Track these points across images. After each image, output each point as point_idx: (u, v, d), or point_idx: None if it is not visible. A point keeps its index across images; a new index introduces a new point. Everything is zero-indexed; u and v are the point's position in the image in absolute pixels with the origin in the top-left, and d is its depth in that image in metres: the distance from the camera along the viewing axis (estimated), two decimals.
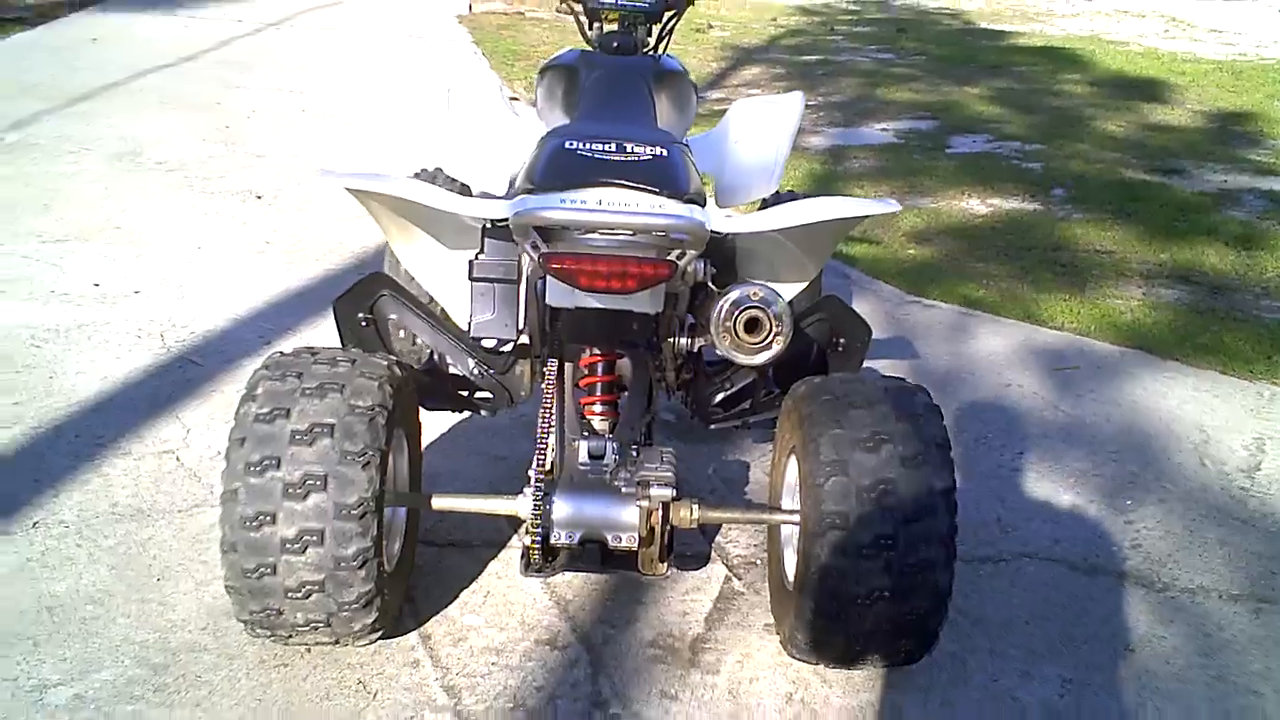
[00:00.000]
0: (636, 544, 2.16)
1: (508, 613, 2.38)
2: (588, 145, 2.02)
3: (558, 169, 1.99)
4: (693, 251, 1.96)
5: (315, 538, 1.96)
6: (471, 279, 2.20)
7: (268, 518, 1.95)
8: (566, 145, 2.03)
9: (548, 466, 2.20)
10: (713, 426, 2.59)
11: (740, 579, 2.54)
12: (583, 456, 2.26)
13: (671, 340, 2.32)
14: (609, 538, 2.16)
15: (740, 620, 2.40)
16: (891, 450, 2.01)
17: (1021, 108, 8.56)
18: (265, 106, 7.02)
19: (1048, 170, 6.65)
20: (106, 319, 3.69)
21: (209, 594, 2.38)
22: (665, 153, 2.03)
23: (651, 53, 2.94)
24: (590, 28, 3.02)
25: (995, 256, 4.98)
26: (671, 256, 1.94)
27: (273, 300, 3.98)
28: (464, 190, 3.10)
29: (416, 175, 3.23)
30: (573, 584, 2.48)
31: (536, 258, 1.96)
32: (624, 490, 2.17)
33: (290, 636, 2.10)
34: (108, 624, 2.27)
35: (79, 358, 3.41)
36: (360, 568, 1.98)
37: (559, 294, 2.11)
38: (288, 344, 3.60)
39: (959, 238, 5.24)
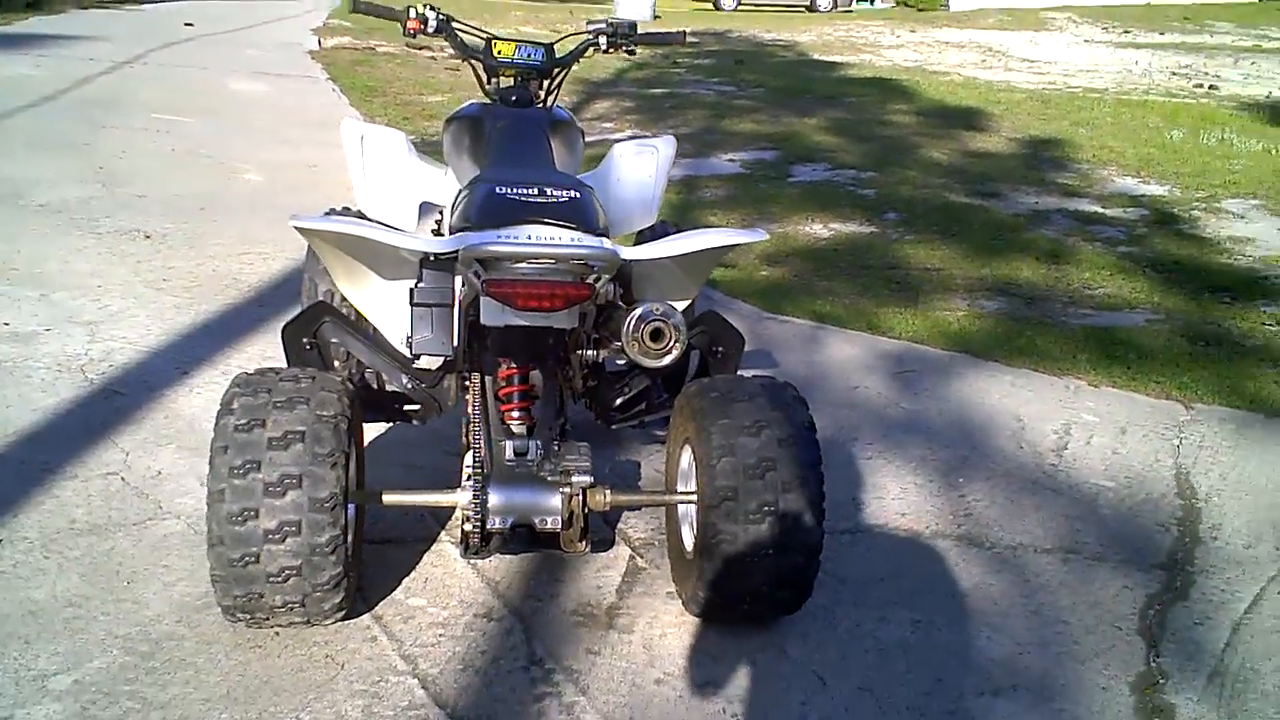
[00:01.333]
0: (560, 526, 2.57)
1: (446, 594, 2.74)
2: (515, 190, 2.43)
3: (491, 209, 2.39)
4: (606, 276, 2.39)
5: (294, 529, 2.30)
6: (412, 304, 2.56)
7: (251, 513, 2.28)
8: (497, 190, 2.43)
9: (480, 464, 2.58)
10: (613, 427, 3.01)
11: (642, 557, 2.96)
12: (509, 455, 2.65)
13: (580, 352, 2.74)
14: (536, 521, 2.56)
15: (646, 590, 2.82)
16: (770, 434, 2.46)
17: (855, 137, 9.26)
18: (135, 146, 7.17)
19: (880, 196, 7.31)
20: (24, 356, 3.90)
21: (176, 593, 2.67)
22: (578, 195, 2.45)
23: (543, 105, 3.34)
24: (489, 81, 3.40)
25: (839, 275, 5.55)
26: (589, 280, 2.36)
27: (181, 333, 4.23)
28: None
29: (331, 212, 3.60)
30: (499, 567, 2.85)
31: (478, 284, 2.35)
32: (549, 480, 2.57)
33: (267, 619, 2.43)
34: (89, 622, 2.55)
35: (6, 392, 3.62)
36: (332, 553, 2.33)
37: (492, 314, 2.49)
38: (203, 374, 3.88)
39: (806, 259, 5.81)
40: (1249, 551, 3.10)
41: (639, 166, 3.40)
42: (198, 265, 5.01)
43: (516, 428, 2.73)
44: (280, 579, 2.33)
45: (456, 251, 2.36)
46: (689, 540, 2.70)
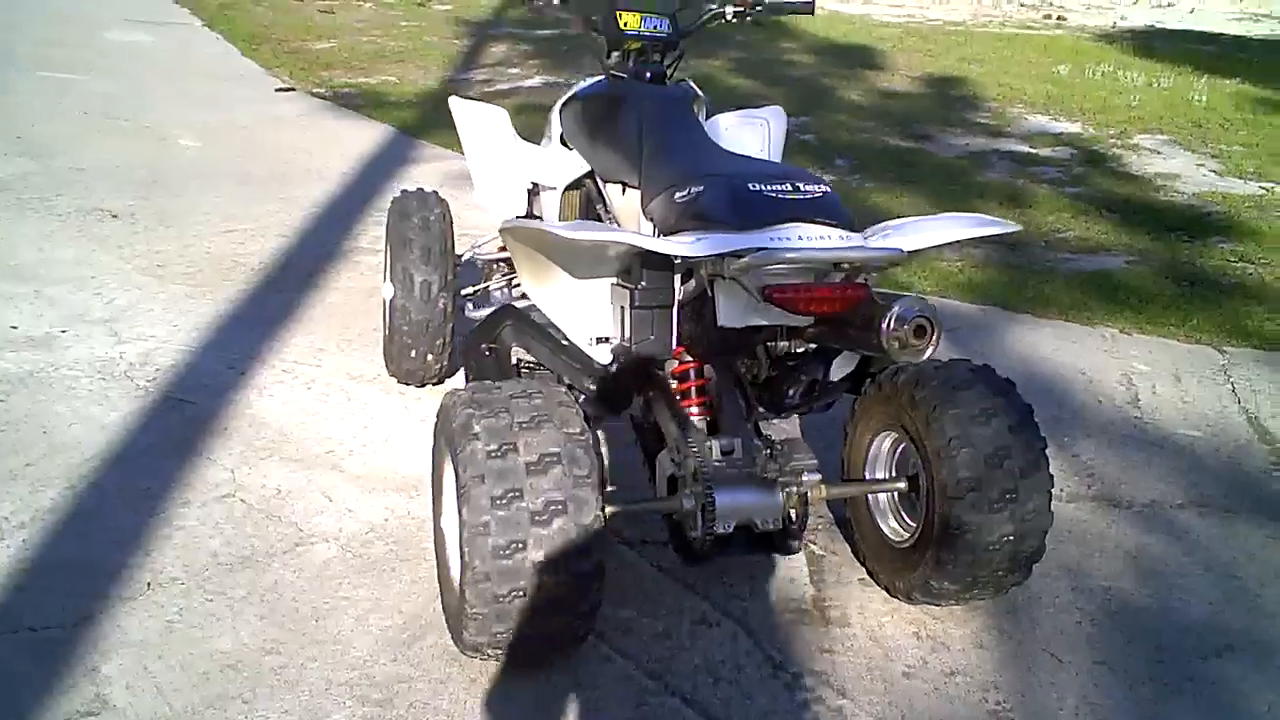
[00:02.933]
0: (779, 526, 2.50)
1: (651, 602, 2.65)
2: (768, 187, 2.30)
3: (748, 209, 2.26)
4: (876, 274, 2.31)
5: (562, 557, 2.17)
6: (634, 306, 2.43)
7: (519, 544, 2.14)
8: (750, 188, 2.30)
9: (704, 467, 2.48)
10: (782, 415, 2.94)
11: (816, 544, 2.93)
12: (716, 454, 2.56)
13: (774, 343, 2.65)
14: (757, 523, 2.49)
15: (838, 578, 2.79)
16: (1001, 422, 2.46)
17: (768, 79, 9.26)
18: (39, 111, 6.60)
19: (823, 141, 7.34)
20: (53, 363, 3.55)
21: (374, 627, 2.50)
22: (826, 189, 2.35)
23: (678, 80, 3.20)
24: (608, 55, 3.23)
25: None
26: (861, 279, 2.29)
27: (212, 327, 3.93)
28: None
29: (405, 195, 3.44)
30: (685, 568, 2.77)
31: (756, 290, 2.24)
32: (772, 479, 2.50)
33: (514, 653, 2.30)
34: (301, 670, 2.36)
35: (59, 407, 3.29)
36: (596, 578, 2.21)
37: (734, 315, 2.38)
38: (262, 373, 3.61)
39: None
40: None
41: (748, 142, 3.29)
42: (186, 247, 4.64)
43: (698, 424, 2.64)
44: (547, 611, 2.20)
45: (720, 256, 2.24)
46: (899, 529, 2.69)
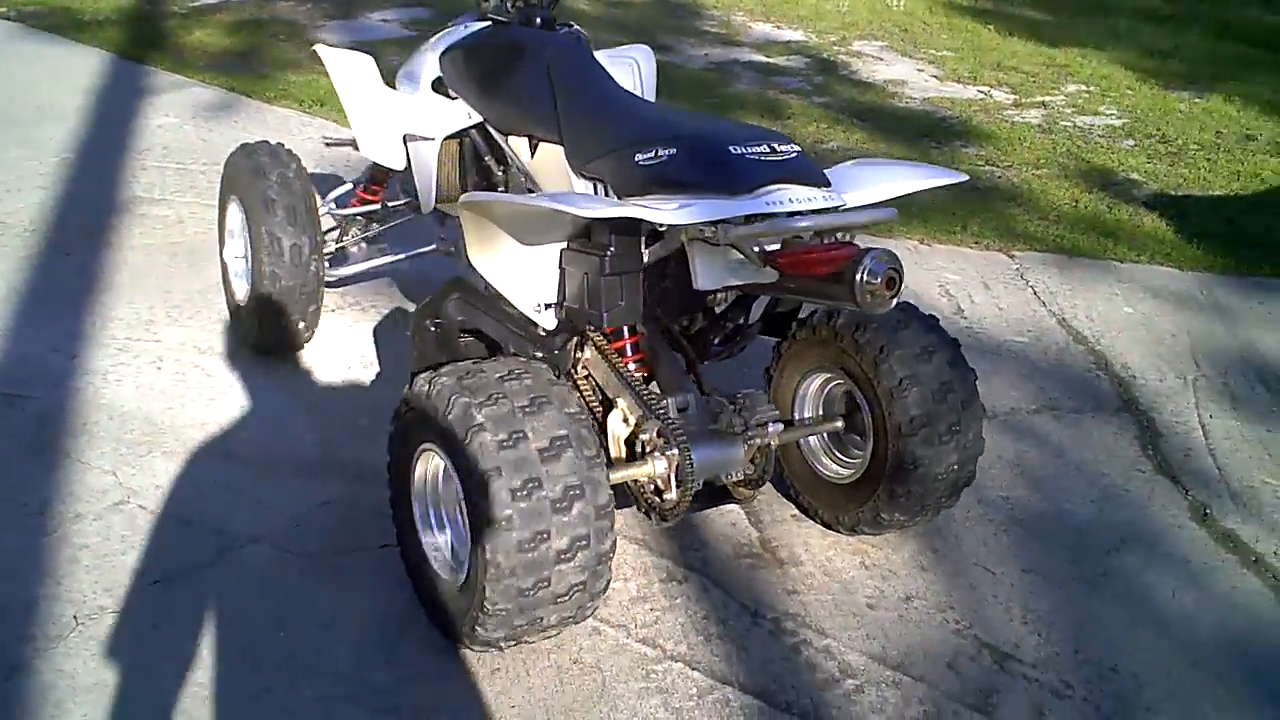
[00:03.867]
0: (740, 477, 2.56)
1: (619, 564, 2.64)
2: (748, 148, 2.28)
3: (733, 172, 2.23)
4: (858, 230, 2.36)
5: (584, 542, 2.13)
6: (604, 274, 2.36)
7: (543, 535, 2.09)
8: (733, 150, 2.27)
9: (674, 425, 2.47)
10: (706, 361, 2.96)
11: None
12: (672, 412, 2.56)
13: (712, 297, 2.66)
14: (722, 476, 2.53)
15: (773, 517, 2.89)
16: (940, 358, 2.60)
17: None
18: None
19: None
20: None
21: (347, 631, 2.36)
22: (797, 148, 2.35)
23: (564, 24, 3.07)
24: None
25: None
26: (848, 237, 2.32)
27: (6, 303, 3.45)
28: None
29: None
30: (632, 525, 2.77)
31: (756, 255, 2.22)
32: (736, 432, 2.53)
33: (529, 639, 2.24)
34: (292, 692, 2.20)
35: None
36: (610, 557, 2.19)
37: (710, 277, 2.36)
38: (92, 354, 3.24)
39: None
40: (1163, 384, 3.71)
41: (622, 84, 3.22)
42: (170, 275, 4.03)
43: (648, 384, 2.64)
44: (565, 597, 2.17)
45: (713, 222, 2.20)
46: (837, 467, 2.81)
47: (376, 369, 3.38)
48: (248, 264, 3.43)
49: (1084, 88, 7.48)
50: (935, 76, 7.57)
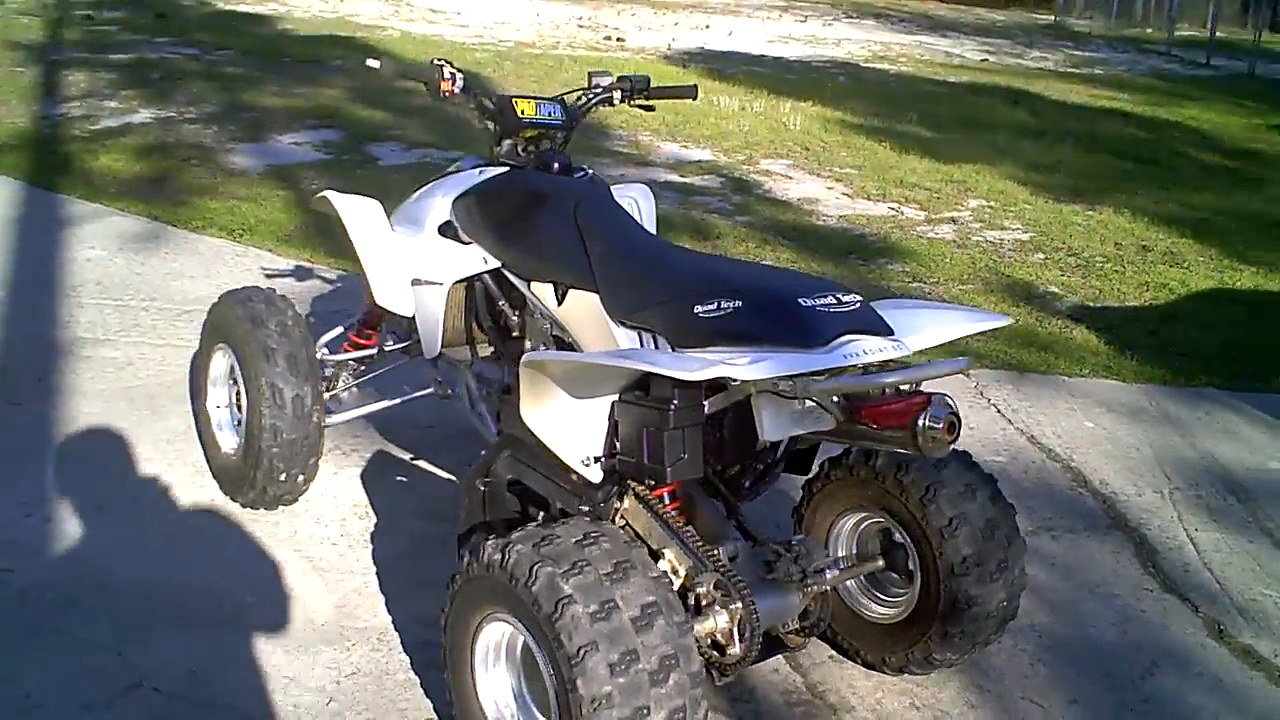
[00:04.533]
0: (797, 626, 2.51)
1: None
2: (816, 301, 2.27)
3: (812, 326, 2.22)
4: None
5: (681, 715, 2.04)
6: (668, 428, 2.31)
7: (644, 712, 1.99)
8: (803, 303, 2.26)
9: (734, 578, 2.40)
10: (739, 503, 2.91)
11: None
12: (724, 561, 2.50)
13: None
14: (779, 626, 2.48)
15: (812, 660, 2.83)
16: (983, 495, 2.62)
17: (397, 110, 8.99)
18: None
19: None
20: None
21: None
22: (860, 298, 2.35)
23: (579, 169, 3.04)
24: (499, 143, 3.02)
25: None
26: (919, 385, 2.32)
27: None
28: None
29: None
30: None
31: (838, 408, 2.20)
32: (795, 580, 2.48)
33: None
34: None
35: None
36: None
37: (776, 428, 2.33)
38: (67, 517, 3.02)
39: None
40: (1143, 499, 3.80)
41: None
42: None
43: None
44: None
45: (788, 377, 2.18)
46: (881, 608, 2.78)
47: (373, 520, 3.23)
48: (234, 415, 3.27)
49: (985, 202, 7.81)
50: (845, 194, 7.80)
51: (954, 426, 2.32)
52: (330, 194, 3.06)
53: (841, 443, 2.57)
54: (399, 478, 3.48)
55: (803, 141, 9.25)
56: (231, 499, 3.19)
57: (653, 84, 3.28)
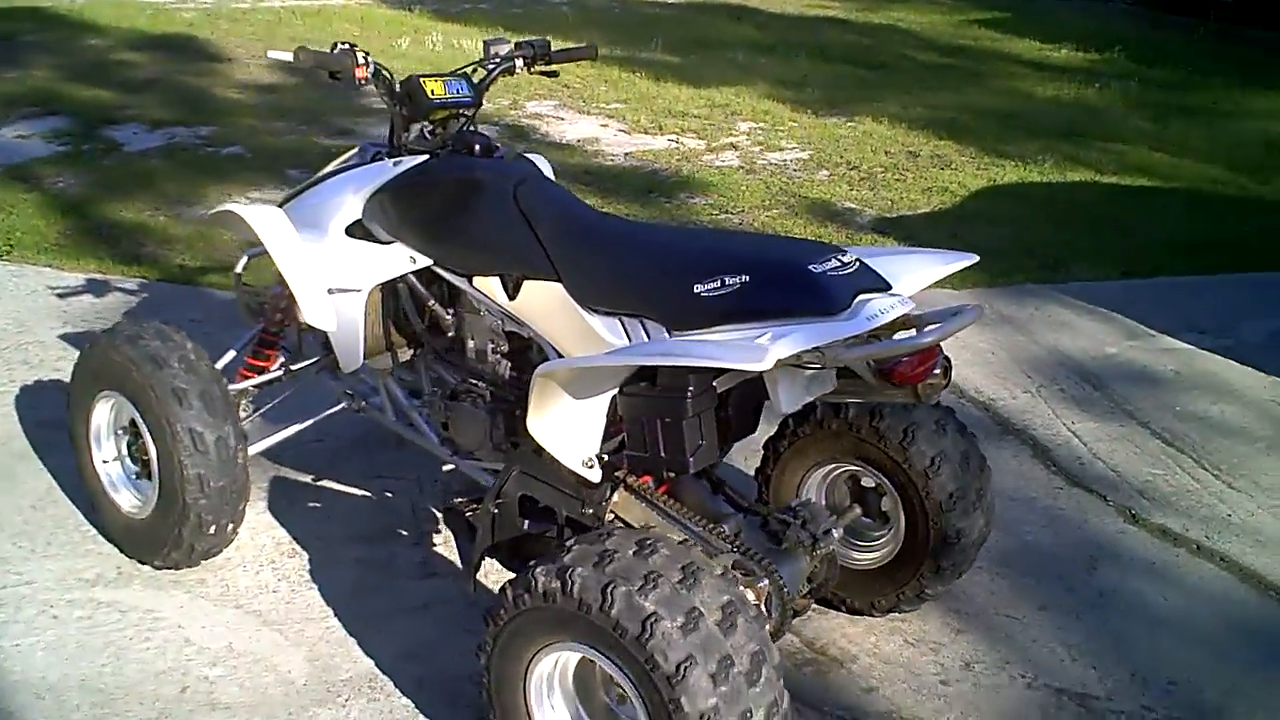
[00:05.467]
0: (806, 590, 2.52)
1: None
2: (823, 266, 2.21)
3: (829, 292, 2.16)
4: None
5: (776, 709, 2.01)
6: (686, 418, 2.23)
7: (747, 715, 1.95)
8: (814, 269, 2.19)
9: (757, 555, 2.37)
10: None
11: None
12: (732, 538, 2.47)
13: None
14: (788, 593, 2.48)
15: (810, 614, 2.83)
16: (952, 429, 2.69)
17: (119, 86, 8.25)
18: None
19: (255, 152, 6.77)
20: None
21: None
22: (858, 257, 2.31)
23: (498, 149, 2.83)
24: (406, 128, 2.78)
25: None
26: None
27: None
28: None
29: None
30: None
31: (870, 372, 2.18)
32: (806, 546, 2.48)
33: None
34: None
35: None
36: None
37: (791, 399, 2.28)
38: None
39: None
40: (1016, 401, 4.03)
41: None
42: None
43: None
44: None
45: (817, 350, 2.13)
46: (862, 555, 2.82)
47: (304, 555, 2.97)
48: (126, 470, 2.92)
49: (755, 124, 7.97)
50: (622, 130, 7.76)
51: (948, 372, 2.37)
52: (235, 207, 2.74)
53: (837, 400, 2.56)
54: (310, 504, 3.22)
55: (562, 80, 9.10)
56: (142, 563, 2.85)
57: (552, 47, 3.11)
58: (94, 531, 3.00)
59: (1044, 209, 6.34)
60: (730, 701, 1.92)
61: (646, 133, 7.68)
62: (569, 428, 2.31)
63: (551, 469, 2.37)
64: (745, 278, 2.22)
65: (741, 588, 2.19)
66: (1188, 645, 2.78)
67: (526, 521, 2.46)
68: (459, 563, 2.93)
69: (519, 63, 3.04)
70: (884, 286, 2.30)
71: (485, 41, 3.04)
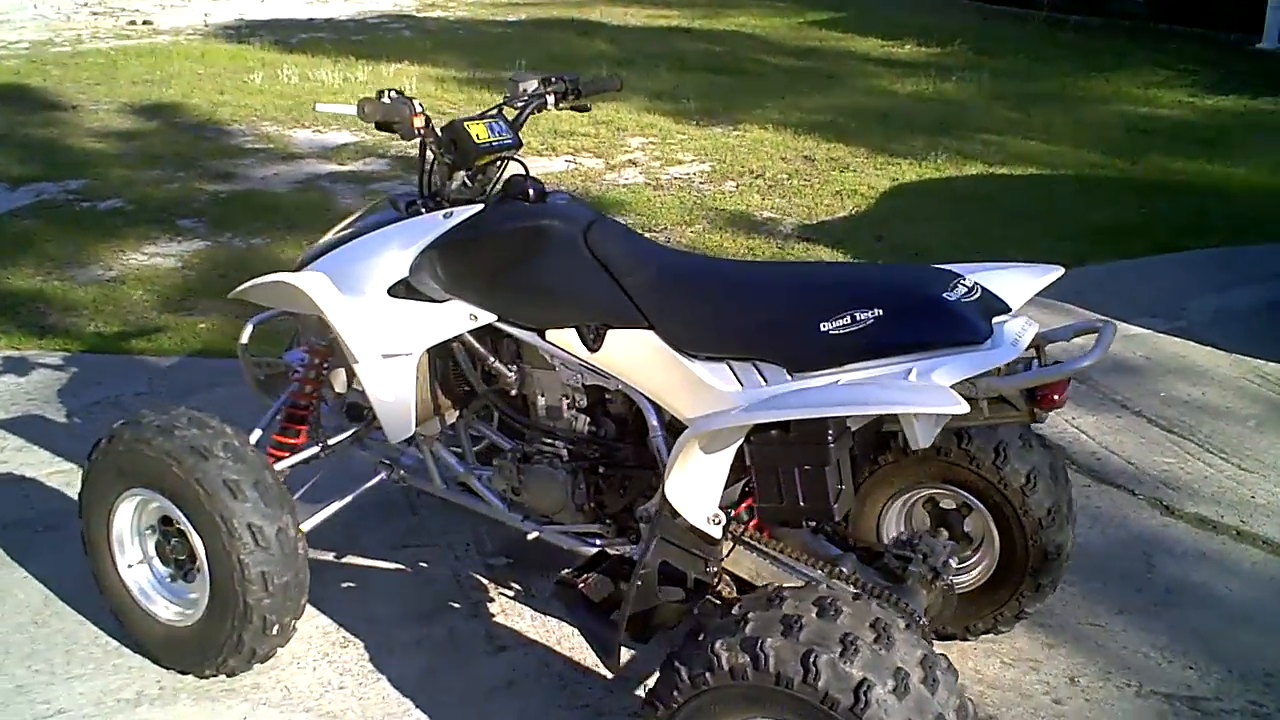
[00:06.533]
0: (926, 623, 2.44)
1: None
2: (951, 292, 2.13)
3: (970, 320, 2.08)
4: None
5: None
6: (828, 464, 2.12)
7: None
8: (947, 297, 2.10)
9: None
10: None
11: None
12: (847, 570, 2.37)
13: None
14: None
15: None
16: (1035, 443, 2.65)
17: None
18: None
19: (140, 204, 6.44)
20: None
21: None
22: (976, 281, 2.23)
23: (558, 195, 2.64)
24: (450, 176, 2.56)
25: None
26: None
27: None
28: None
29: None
30: None
31: (1024, 399, 2.10)
32: (929, 580, 2.40)
33: None
34: None
35: None
36: None
37: (927, 433, 2.18)
38: None
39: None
40: None
41: None
42: None
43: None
44: None
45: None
46: (961, 577, 2.73)
47: (358, 644, 2.72)
48: (156, 573, 2.61)
49: (646, 140, 7.89)
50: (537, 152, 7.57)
51: (1063, 389, 2.32)
52: (286, 277, 2.47)
53: (956, 426, 2.48)
54: (345, 584, 2.96)
55: (431, 105, 8.70)
56: (185, 673, 2.56)
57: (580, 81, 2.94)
58: (115, 644, 2.69)
59: (955, 205, 6.46)
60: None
61: (541, 155, 7.50)
62: (697, 484, 2.17)
63: (686, 532, 2.23)
64: (879, 311, 2.12)
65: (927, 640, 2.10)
66: (1268, 635, 2.82)
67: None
68: (528, 633, 2.77)
69: (550, 99, 2.86)
70: (1006, 308, 2.23)
71: (510, 78, 2.85)
